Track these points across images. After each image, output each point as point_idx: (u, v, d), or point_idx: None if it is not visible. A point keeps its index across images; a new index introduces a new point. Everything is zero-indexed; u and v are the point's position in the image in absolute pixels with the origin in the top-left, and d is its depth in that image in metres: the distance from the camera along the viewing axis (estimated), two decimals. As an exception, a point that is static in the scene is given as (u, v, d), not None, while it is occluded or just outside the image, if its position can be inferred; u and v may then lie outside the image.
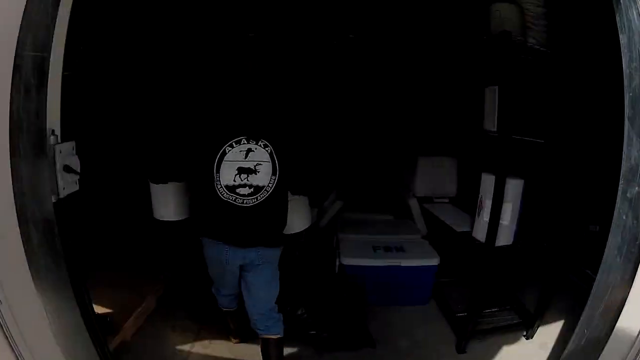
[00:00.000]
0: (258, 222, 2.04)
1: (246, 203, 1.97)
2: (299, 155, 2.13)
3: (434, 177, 4.47)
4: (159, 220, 2.48)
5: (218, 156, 1.95)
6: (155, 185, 2.35)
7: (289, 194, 2.19)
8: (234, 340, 2.82)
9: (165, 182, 2.25)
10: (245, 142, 1.97)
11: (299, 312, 2.93)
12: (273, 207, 2.07)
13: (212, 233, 2.08)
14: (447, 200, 4.35)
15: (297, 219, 2.38)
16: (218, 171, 1.95)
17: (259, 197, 1.98)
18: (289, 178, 2.08)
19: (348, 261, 3.53)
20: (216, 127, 2.06)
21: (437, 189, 4.48)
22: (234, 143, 1.97)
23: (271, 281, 2.25)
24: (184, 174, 2.18)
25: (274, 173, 1.99)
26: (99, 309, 2.99)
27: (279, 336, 2.25)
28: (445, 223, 3.55)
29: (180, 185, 2.34)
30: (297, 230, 2.44)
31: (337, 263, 3.62)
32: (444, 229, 3.57)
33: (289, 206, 2.18)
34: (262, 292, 2.23)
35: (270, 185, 1.99)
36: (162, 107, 2.97)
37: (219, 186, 1.96)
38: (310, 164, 2.25)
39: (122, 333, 2.84)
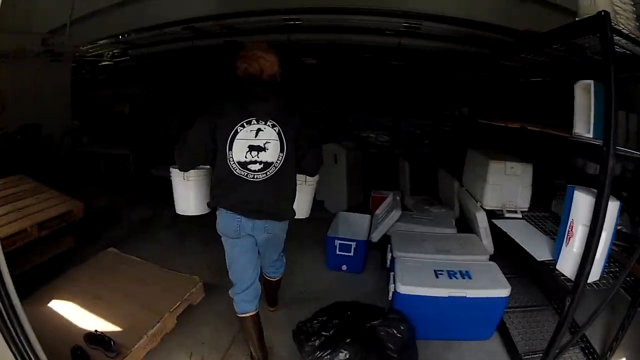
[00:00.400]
0: (267, 196, 2.28)
1: (256, 178, 2.22)
2: (303, 135, 2.32)
3: (506, 186, 3.79)
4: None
5: (231, 135, 2.17)
6: (178, 181, 2.65)
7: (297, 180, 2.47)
8: None
9: (194, 167, 2.48)
10: (255, 122, 2.18)
11: (343, 356, 2.48)
12: (281, 181, 2.29)
13: (226, 204, 2.31)
14: (519, 215, 3.67)
15: (303, 206, 2.70)
16: (231, 149, 2.18)
17: (268, 172, 2.22)
18: (296, 154, 2.32)
19: (406, 289, 3.07)
20: (231, 112, 2.23)
21: (509, 200, 3.80)
22: (245, 123, 2.18)
23: (278, 248, 2.75)
24: (206, 155, 2.35)
25: (281, 150, 2.21)
26: (105, 326, 2.86)
27: (280, 277, 3.00)
28: (521, 247, 2.93)
29: (200, 181, 2.66)
30: (301, 217, 2.71)
31: (392, 290, 3.16)
32: (516, 250, 3.00)
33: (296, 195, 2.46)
34: (273, 255, 2.78)
35: (278, 161, 2.23)
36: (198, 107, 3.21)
37: (232, 162, 2.20)
38: (310, 142, 2.41)
39: (127, 358, 2.59)
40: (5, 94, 6.95)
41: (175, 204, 2.82)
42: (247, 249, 2.46)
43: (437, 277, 3.17)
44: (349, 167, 5.67)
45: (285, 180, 2.35)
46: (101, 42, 8.86)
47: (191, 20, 6.98)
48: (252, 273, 2.51)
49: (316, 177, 2.75)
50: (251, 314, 2.50)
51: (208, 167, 2.65)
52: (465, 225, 4.36)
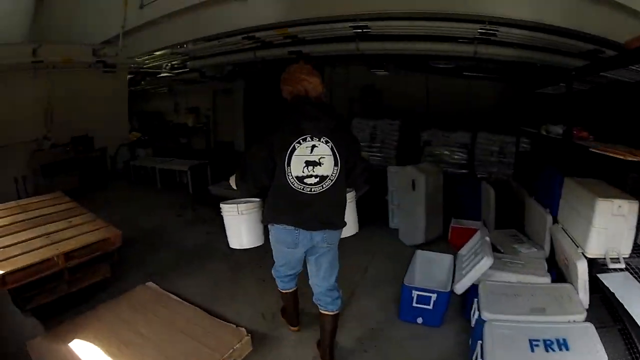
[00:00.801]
0: (324, 207, 2.40)
1: (313, 191, 2.34)
2: (352, 149, 2.46)
3: (612, 229, 3.02)
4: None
5: (289, 152, 2.28)
6: (231, 217, 2.83)
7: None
8: (293, 329, 3.14)
9: (258, 189, 2.49)
10: (310, 139, 2.30)
11: None
12: (336, 194, 2.42)
13: (284, 219, 2.42)
14: (622, 265, 2.93)
15: (350, 223, 2.73)
16: (289, 165, 2.29)
17: (324, 185, 2.35)
18: (347, 167, 2.42)
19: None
20: (288, 131, 2.33)
21: (612, 246, 3.04)
22: (301, 140, 2.29)
23: (334, 261, 2.66)
24: (268, 175, 2.39)
25: (335, 164, 2.35)
26: None
27: (336, 312, 2.70)
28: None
29: (252, 215, 2.82)
30: (349, 235, 2.79)
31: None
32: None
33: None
34: (327, 273, 2.63)
35: (333, 174, 2.36)
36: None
37: (290, 177, 2.31)
38: (358, 155, 2.54)
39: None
40: (52, 105, 6.95)
41: (229, 239, 2.93)
42: (299, 259, 2.69)
43: (532, 350, 2.52)
44: (427, 194, 4.92)
45: (339, 192, 2.48)
46: (157, 53, 8.73)
47: (252, 30, 6.62)
48: (296, 267, 2.77)
49: (355, 194, 2.93)
50: (292, 290, 2.93)
51: (259, 200, 2.79)
52: (552, 261, 3.80)
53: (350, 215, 2.81)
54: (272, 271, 2.93)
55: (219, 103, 12.73)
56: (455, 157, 7.68)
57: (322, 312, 2.75)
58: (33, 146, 6.88)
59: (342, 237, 2.66)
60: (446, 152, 7.71)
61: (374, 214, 5.47)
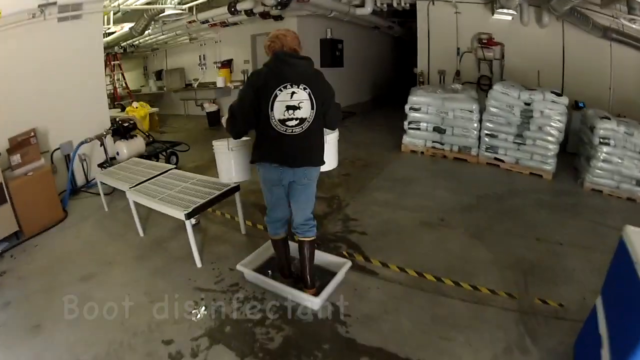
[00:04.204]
0: (304, 146, 2.65)
1: (294, 132, 2.58)
2: (327, 93, 2.68)
3: None
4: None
5: (272, 98, 2.52)
6: (222, 153, 3.15)
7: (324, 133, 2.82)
8: (285, 280, 3.05)
9: (247, 132, 2.76)
10: (290, 87, 2.53)
11: None
12: (314, 134, 2.66)
13: (270, 158, 2.66)
14: None
15: (332, 159, 3.05)
16: (272, 110, 2.53)
17: (303, 127, 2.59)
18: (322, 109, 2.65)
19: None
20: (270, 80, 2.54)
21: None
22: (282, 88, 2.53)
23: (311, 195, 2.87)
24: (256, 117, 2.59)
25: (312, 107, 2.58)
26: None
27: (313, 238, 2.92)
28: None
29: (241, 151, 3.11)
30: (329, 168, 3.05)
31: None
32: None
33: (325, 148, 2.82)
34: (304, 204, 2.85)
35: (310, 116, 2.59)
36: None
37: (273, 121, 2.54)
38: (332, 99, 2.72)
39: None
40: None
41: (219, 174, 3.23)
42: (281, 194, 2.82)
43: None
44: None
45: (317, 133, 2.70)
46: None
47: None
48: (283, 209, 2.90)
49: (336, 134, 3.09)
50: (281, 236, 3.00)
51: (248, 139, 2.96)
52: None
53: (331, 152, 3.02)
54: (265, 219, 3.00)
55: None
56: None
57: (300, 238, 2.92)
58: None
59: (323, 170, 2.91)
60: None
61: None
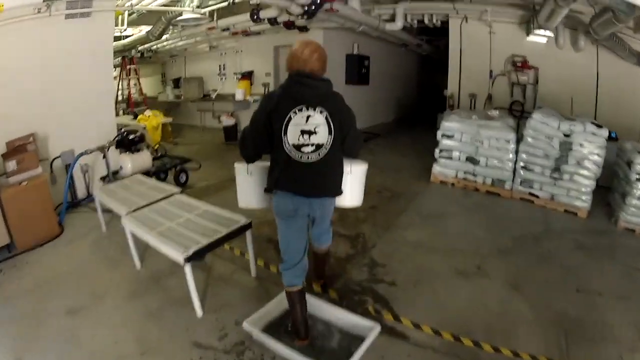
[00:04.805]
0: (320, 174, 2.46)
1: (310, 159, 2.39)
2: (346, 118, 2.49)
3: None
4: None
5: (285, 121, 2.34)
6: (243, 177, 2.84)
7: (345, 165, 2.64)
8: (299, 343, 2.58)
9: (259, 155, 2.62)
10: (305, 109, 2.35)
11: None
12: (332, 161, 2.48)
13: (284, 186, 2.45)
14: None
15: (356, 193, 2.84)
16: (286, 133, 2.35)
17: (320, 154, 2.39)
18: (341, 135, 2.46)
19: None
20: (285, 101, 2.38)
21: None
22: (297, 110, 2.35)
23: (329, 223, 2.81)
24: (269, 142, 2.44)
25: (329, 133, 2.39)
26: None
27: (329, 244, 2.94)
28: None
29: (261, 176, 2.75)
30: (352, 205, 2.86)
31: None
32: None
33: (348, 180, 2.68)
34: (323, 227, 2.79)
35: (328, 143, 2.40)
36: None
37: (287, 146, 2.36)
38: (354, 126, 2.55)
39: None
40: None
41: (239, 198, 2.91)
42: (300, 228, 2.57)
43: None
44: None
45: (335, 160, 2.52)
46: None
47: None
48: (302, 251, 2.59)
49: (364, 167, 2.84)
50: (298, 288, 2.58)
51: (268, 163, 2.66)
52: None
53: (356, 185, 2.82)
54: (280, 266, 2.64)
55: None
56: None
57: (316, 249, 2.94)
58: None
59: (346, 206, 2.81)
60: None
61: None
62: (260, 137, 2.44)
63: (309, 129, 2.36)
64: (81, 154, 4.65)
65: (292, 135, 2.35)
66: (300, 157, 2.38)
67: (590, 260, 3.71)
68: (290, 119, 2.34)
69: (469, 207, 4.92)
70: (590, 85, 6.67)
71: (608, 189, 5.12)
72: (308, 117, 2.36)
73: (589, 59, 6.61)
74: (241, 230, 3.00)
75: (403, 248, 3.80)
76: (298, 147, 2.36)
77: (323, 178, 2.49)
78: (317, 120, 2.36)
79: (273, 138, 2.40)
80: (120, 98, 10.21)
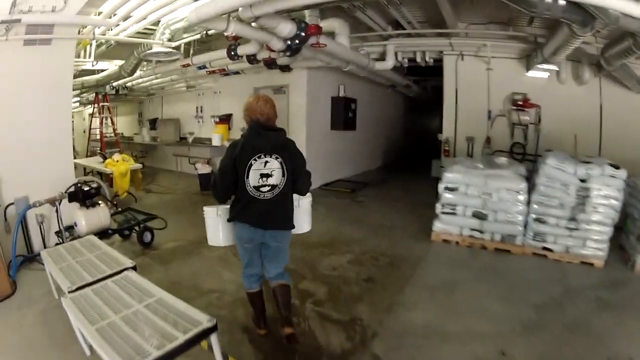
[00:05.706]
0: (274, 210, 2.86)
1: (266, 197, 2.81)
2: (297, 162, 2.91)
3: None
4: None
5: (247, 167, 2.76)
6: (211, 218, 3.17)
7: (295, 200, 3.03)
8: (260, 332, 3.17)
9: (229, 197, 2.95)
10: (264, 156, 2.78)
11: None
12: (284, 200, 2.89)
13: (244, 218, 2.87)
14: None
15: (305, 223, 3.28)
16: (248, 177, 2.76)
17: (274, 192, 2.81)
18: (293, 177, 2.87)
19: None
20: (246, 151, 2.78)
21: None
22: (256, 157, 2.77)
23: (284, 256, 3.08)
24: (235, 185, 2.82)
25: (283, 175, 2.82)
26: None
27: (288, 283, 3.08)
28: None
29: (225, 220, 3.09)
30: (302, 232, 3.25)
31: None
32: None
33: (298, 212, 3.06)
34: (276, 263, 3.03)
35: (281, 183, 2.82)
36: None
37: (249, 187, 2.78)
38: (302, 167, 2.94)
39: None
40: None
41: (209, 238, 3.23)
42: (254, 250, 3.00)
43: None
44: None
45: (287, 199, 2.92)
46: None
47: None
48: (256, 266, 3.07)
49: (309, 199, 3.29)
50: (255, 290, 3.16)
51: None
52: None
53: (306, 215, 3.28)
54: (242, 274, 3.16)
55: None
56: None
57: (274, 284, 3.06)
58: None
59: (298, 233, 3.16)
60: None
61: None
62: (229, 179, 2.81)
63: (266, 172, 2.80)
64: (29, 207, 4.03)
65: (253, 178, 2.78)
66: (259, 195, 2.81)
67: (616, 319, 3.45)
68: (251, 165, 2.77)
69: (480, 272, 4.24)
70: (594, 119, 6.33)
71: (619, 229, 4.61)
72: (266, 162, 2.79)
73: (592, 92, 6.29)
74: (204, 334, 2.23)
75: (410, 338, 3.06)
76: (257, 188, 2.80)
77: (276, 213, 2.89)
78: (273, 165, 2.80)
79: (238, 180, 2.81)
80: (95, 137, 9.66)
